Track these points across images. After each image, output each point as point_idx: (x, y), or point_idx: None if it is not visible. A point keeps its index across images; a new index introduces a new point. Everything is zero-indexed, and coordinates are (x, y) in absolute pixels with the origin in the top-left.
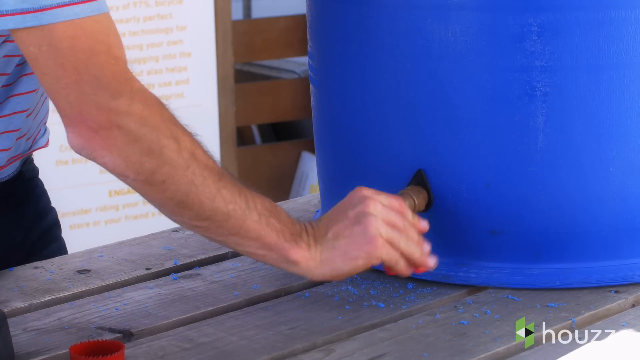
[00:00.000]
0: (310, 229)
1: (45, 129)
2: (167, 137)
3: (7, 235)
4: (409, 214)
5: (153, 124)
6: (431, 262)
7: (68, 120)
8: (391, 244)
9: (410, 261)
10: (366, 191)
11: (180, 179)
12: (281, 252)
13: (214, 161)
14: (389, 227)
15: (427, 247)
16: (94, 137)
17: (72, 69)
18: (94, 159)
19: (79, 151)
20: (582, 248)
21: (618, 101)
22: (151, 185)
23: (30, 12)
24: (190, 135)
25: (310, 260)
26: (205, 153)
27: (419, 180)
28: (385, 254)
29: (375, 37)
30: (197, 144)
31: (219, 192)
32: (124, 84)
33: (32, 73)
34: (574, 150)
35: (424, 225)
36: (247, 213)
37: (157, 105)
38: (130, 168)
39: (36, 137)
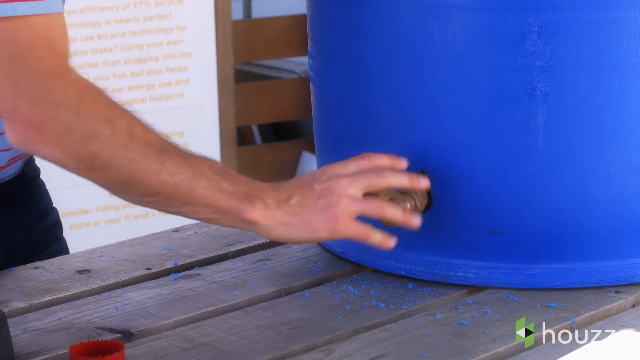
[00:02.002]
0: (270, 190)
1: None
2: (101, 123)
3: (9, 235)
4: (386, 176)
5: (87, 112)
6: (415, 221)
7: (4, 115)
8: (363, 215)
9: (392, 223)
10: (335, 166)
11: (121, 160)
12: (236, 215)
13: (156, 135)
14: (358, 203)
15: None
16: (27, 132)
17: (8, 62)
18: (32, 153)
19: (17, 147)
20: (582, 248)
21: (618, 101)
22: (93, 171)
23: None
24: (126, 116)
25: (269, 219)
26: (145, 130)
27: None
28: (350, 232)
29: (375, 37)
30: (134, 123)
31: (163, 166)
32: (59, 77)
33: None
34: (574, 150)
35: (424, 184)
36: (196, 180)
37: (92, 94)
38: (69, 158)
39: None
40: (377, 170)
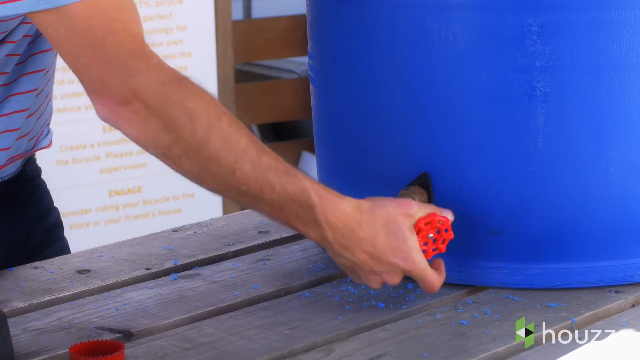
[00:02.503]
0: (334, 231)
1: (49, 130)
2: (182, 115)
3: (9, 235)
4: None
5: (169, 101)
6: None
7: (92, 94)
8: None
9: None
10: (404, 251)
11: (194, 156)
12: (291, 229)
13: (238, 136)
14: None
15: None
16: (117, 110)
17: (90, 48)
18: (118, 129)
19: (105, 120)
20: (582, 248)
21: (618, 101)
22: (168, 159)
23: None
24: (209, 112)
25: (320, 243)
26: (226, 128)
27: (423, 181)
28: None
29: (376, 37)
30: (216, 119)
31: (232, 175)
32: (141, 60)
33: (31, 72)
34: (574, 150)
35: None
36: (259, 196)
37: (175, 82)
38: (149, 141)
39: (39, 137)
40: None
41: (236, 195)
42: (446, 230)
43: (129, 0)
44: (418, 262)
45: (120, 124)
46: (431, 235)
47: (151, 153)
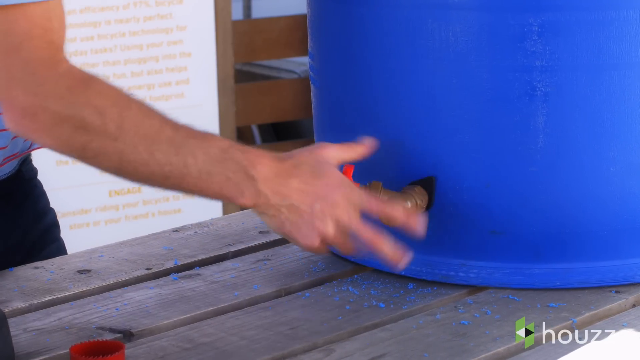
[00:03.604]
0: (270, 182)
1: None
2: (91, 114)
3: (5, 235)
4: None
5: (77, 103)
6: (417, 222)
7: (2, 103)
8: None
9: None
10: (339, 183)
11: (110, 150)
12: (227, 200)
13: (151, 124)
14: (339, 242)
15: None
16: (22, 121)
17: (4, 52)
18: (29, 139)
19: (15, 132)
20: (582, 248)
21: (618, 101)
22: (85, 159)
23: None
24: (120, 105)
25: (257, 207)
26: (137, 119)
27: (427, 185)
28: (320, 249)
29: (375, 36)
30: (127, 112)
31: (152, 157)
32: (51, 67)
33: None
34: (574, 150)
35: (419, 225)
36: (185, 171)
37: (83, 85)
38: (62, 146)
39: None
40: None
41: (162, 178)
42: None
43: (59, 11)
44: (355, 188)
45: (29, 134)
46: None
47: (67, 156)
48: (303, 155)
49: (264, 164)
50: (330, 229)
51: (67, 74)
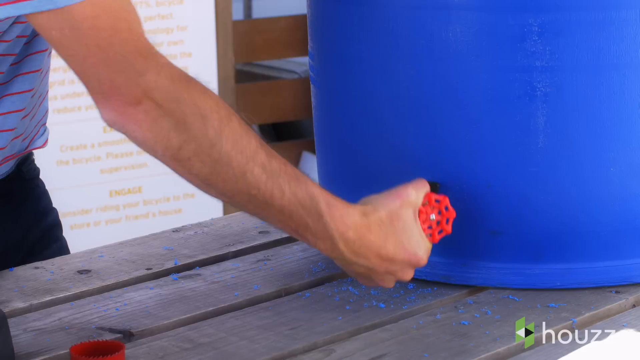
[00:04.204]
0: (344, 240)
1: (45, 130)
2: (193, 114)
3: (5, 235)
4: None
5: (180, 99)
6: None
7: (99, 97)
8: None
9: None
10: (414, 243)
11: (205, 157)
12: (300, 239)
13: (248, 138)
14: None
15: None
16: (126, 111)
17: (96, 48)
18: (125, 133)
19: (112, 125)
20: (582, 248)
21: (618, 101)
22: (178, 161)
23: None
24: (219, 111)
25: (332, 254)
26: (236, 129)
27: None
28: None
29: (376, 37)
30: (227, 119)
31: (243, 177)
32: (149, 59)
33: (27, 73)
34: (574, 151)
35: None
36: (270, 202)
37: (184, 80)
38: (159, 143)
39: (33, 137)
40: None
41: (245, 200)
42: (446, 209)
43: (130, 2)
44: (423, 256)
45: (130, 126)
46: (433, 216)
47: (159, 156)
48: (386, 208)
49: (346, 222)
50: (391, 285)
51: (167, 66)
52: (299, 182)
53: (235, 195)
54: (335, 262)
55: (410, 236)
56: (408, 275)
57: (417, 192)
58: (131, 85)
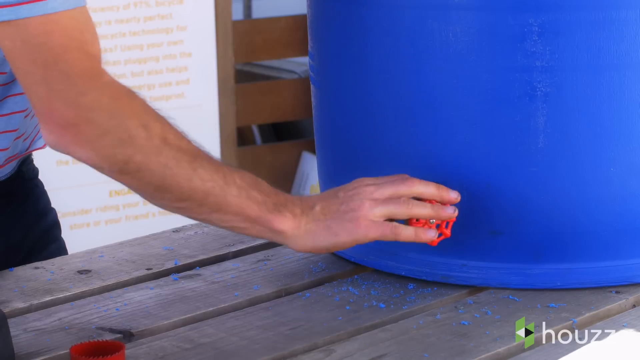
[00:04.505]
0: (297, 200)
1: None
2: (136, 127)
3: (5, 235)
4: (414, 184)
5: (122, 116)
6: (450, 209)
7: (40, 117)
8: (389, 216)
9: (424, 222)
10: (368, 179)
11: (154, 165)
12: (265, 224)
13: (188, 142)
14: (382, 204)
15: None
16: (64, 134)
17: (42, 65)
18: (68, 154)
19: (53, 147)
20: (582, 248)
21: (619, 101)
22: (127, 174)
23: (7, 5)
24: (161, 121)
25: (295, 229)
26: (178, 136)
27: None
28: (374, 234)
29: (375, 37)
30: (168, 128)
31: (195, 172)
32: (93, 79)
33: None
34: (574, 151)
35: (454, 195)
36: (226, 188)
37: (126, 97)
38: (104, 160)
39: (34, 137)
40: (406, 183)
41: (203, 196)
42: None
43: (89, 21)
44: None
45: (70, 148)
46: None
47: (106, 172)
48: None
49: (287, 194)
50: (378, 195)
51: (110, 85)
52: (239, 169)
53: (191, 196)
54: (303, 243)
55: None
56: (369, 187)
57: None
58: (70, 106)
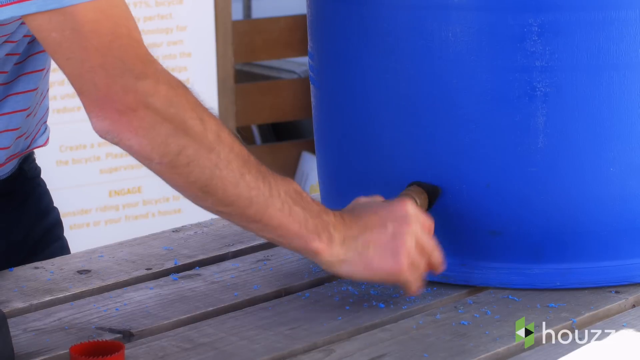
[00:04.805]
0: (340, 225)
1: (45, 128)
2: (192, 118)
3: (7, 234)
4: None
5: (179, 105)
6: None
7: (93, 104)
8: (414, 267)
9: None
10: (410, 207)
11: (204, 161)
12: (302, 244)
13: (240, 145)
14: (418, 252)
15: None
16: (120, 119)
17: (95, 52)
18: (118, 142)
19: (104, 135)
20: (582, 248)
21: (618, 101)
22: (175, 168)
23: None
24: (215, 118)
25: (331, 255)
26: (231, 136)
27: (432, 194)
28: (407, 277)
29: (375, 37)
30: (222, 126)
31: (243, 178)
32: (148, 65)
33: (31, 72)
34: (574, 151)
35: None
36: (270, 200)
37: (182, 87)
38: (156, 150)
39: (35, 135)
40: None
41: (247, 203)
42: None
43: (129, 10)
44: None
45: (124, 134)
46: None
47: (154, 164)
48: (359, 199)
49: (333, 212)
50: (410, 244)
51: (165, 73)
52: (286, 180)
53: (235, 202)
54: (340, 269)
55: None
56: (422, 230)
57: (415, 207)
58: (128, 91)
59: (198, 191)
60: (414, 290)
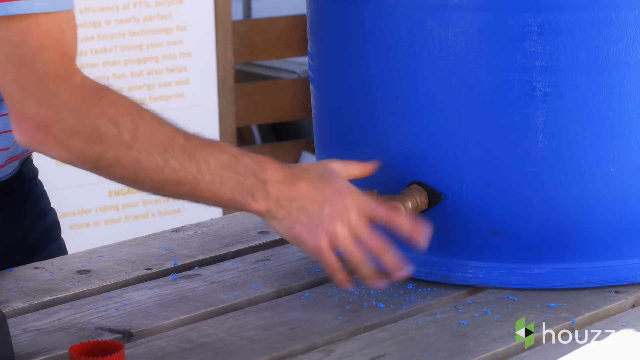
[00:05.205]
0: (278, 183)
1: None
2: (105, 124)
3: (6, 235)
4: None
5: (91, 114)
6: (421, 238)
7: (12, 116)
8: (346, 255)
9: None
10: (360, 199)
11: (125, 160)
12: (238, 207)
13: (163, 131)
14: (353, 243)
15: (390, 259)
16: (35, 134)
17: (17, 64)
18: (40, 153)
19: (25, 147)
20: (582, 248)
21: (618, 101)
22: (99, 170)
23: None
24: (132, 114)
25: (267, 212)
26: (150, 126)
27: (432, 197)
28: (328, 260)
29: (375, 37)
30: (140, 120)
31: (167, 164)
32: (64, 80)
33: None
34: (574, 151)
35: (423, 231)
36: (199, 176)
37: (95, 96)
38: (76, 158)
39: None
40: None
41: (176, 185)
42: None
43: (71, 23)
44: (363, 195)
45: (41, 148)
46: None
47: (79, 168)
48: (310, 164)
49: (273, 168)
50: (338, 231)
51: (80, 85)
52: (219, 147)
53: (165, 186)
54: (272, 224)
55: (342, 181)
56: (356, 217)
57: (344, 167)
58: (40, 108)
59: (129, 183)
60: (342, 278)
